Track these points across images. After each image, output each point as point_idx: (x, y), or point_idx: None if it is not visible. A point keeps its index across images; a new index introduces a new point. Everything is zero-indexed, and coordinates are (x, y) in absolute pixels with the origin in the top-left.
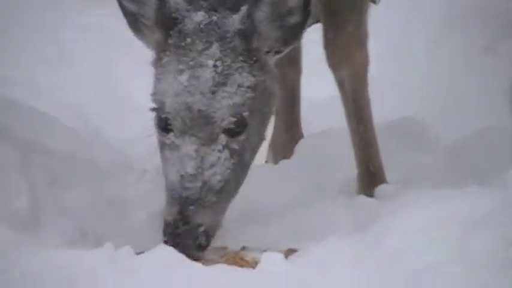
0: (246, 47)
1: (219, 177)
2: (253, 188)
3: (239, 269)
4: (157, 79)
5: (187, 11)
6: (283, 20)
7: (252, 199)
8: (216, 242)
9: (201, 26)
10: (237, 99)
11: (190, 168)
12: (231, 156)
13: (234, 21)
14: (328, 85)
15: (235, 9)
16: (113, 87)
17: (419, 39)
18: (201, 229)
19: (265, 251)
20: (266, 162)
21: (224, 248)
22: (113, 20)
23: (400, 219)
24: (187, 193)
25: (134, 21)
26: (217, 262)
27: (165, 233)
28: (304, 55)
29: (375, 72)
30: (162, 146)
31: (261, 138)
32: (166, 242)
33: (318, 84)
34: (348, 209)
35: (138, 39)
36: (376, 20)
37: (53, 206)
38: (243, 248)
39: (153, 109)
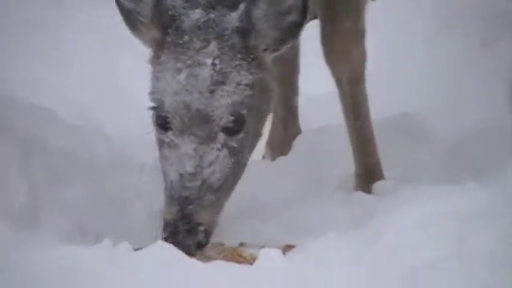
0: (243, 45)
1: (218, 176)
2: (250, 184)
3: (237, 265)
4: (156, 77)
5: (185, 8)
6: (281, 19)
7: (249, 195)
8: (214, 239)
9: (199, 23)
10: (235, 98)
11: (189, 167)
12: (230, 154)
13: (232, 19)
14: (325, 81)
15: (233, 7)
16: (112, 84)
17: (418, 36)
18: (201, 228)
19: (263, 247)
20: (263, 158)
21: (222, 245)
22: (113, 19)
23: (398, 215)
24: (187, 192)
25: (131, 19)
26: (215, 258)
27: (165, 233)
28: (301, 51)
29: (373, 68)
30: (161, 144)
31: (259, 135)
32: (166, 240)
33: (315, 80)
34: (346, 205)
35: (135, 36)
36: (375, 16)
37: (52, 203)
38: (241, 244)
39: (152, 107)
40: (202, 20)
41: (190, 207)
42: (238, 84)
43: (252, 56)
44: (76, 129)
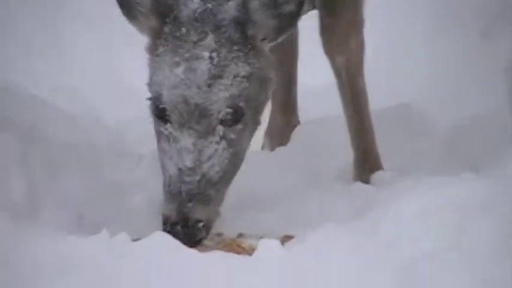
0: (241, 35)
1: (217, 169)
2: (249, 174)
3: (236, 255)
4: (153, 69)
5: None
6: (279, 8)
7: (248, 186)
8: (213, 229)
9: (196, 14)
10: (233, 91)
11: (188, 161)
12: (229, 146)
13: (229, 8)
14: (324, 72)
15: None
16: (112, 75)
17: (417, 27)
18: (200, 224)
19: (261, 237)
20: (262, 149)
21: (221, 235)
22: (112, 7)
23: (397, 206)
24: (186, 188)
25: (129, 9)
26: (214, 249)
27: (164, 228)
28: (300, 42)
29: (371, 59)
30: (159, 135)
31: (257, 124)
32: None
33: (314, 71)
34: (345, 196)
35: (133, 26)
36: (374, 7)
37: (51, 194)
38: (240, 235)
39: (151, 99)
40: (200, 10)
41: (190, 204)
42: (235, 76)
43: (249, 47)
44: (75, 120)
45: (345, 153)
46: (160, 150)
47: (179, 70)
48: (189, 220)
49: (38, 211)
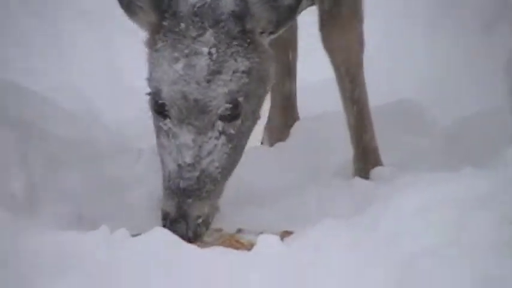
0: (240, 29)
1: (216, 164)
2: (248, 170)
3: (235, 251)
4: (152, 64)
5: None
6: (277, 1)
7: (247, 181)
8: (212, 225)
9: (195, 9)
10: (232, 86)
11: (188, 158)
12: (228, 141)
13: (228, 2)
14: (323, 67)
15: None
16: (112, 72)
17: (417, 22)
18: (199, 221)
19: (261, 233)
20: (261, 144)
21: (220, 230)
22: (111, 4)
23: (397, 201)
24: (185, 183)
25: (128, 4)
26: (213, 244)
27: (163, 225)
28: (299, 37)
29: (371, 54)
30: (159, 130)
31: (257, 118)
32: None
33: (313, 66)
34: (344, 192)
35: (132, 21)
36: (373, 2)
37: (50, 190)
38: (239, 231)
39: (150, 94)
40: (198, 4)
41: (189, 200)
42: (235, 72)
43: (248, 41)
44: (75, 117)
45: (345, 149)
46: (160, 145)
47: (178, 66)
48: (189, 216)
49: (37, 207)
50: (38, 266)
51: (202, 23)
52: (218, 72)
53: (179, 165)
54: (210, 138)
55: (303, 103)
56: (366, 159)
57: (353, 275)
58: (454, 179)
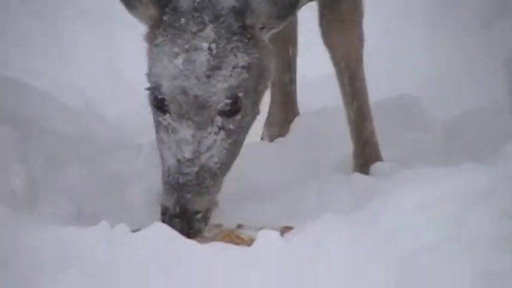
0: (240, 25)
1: (215, 159)
2: (248, 165)
3: (235, 246)
4: (152, 59)
5: None
6: None
7: (247, 177)
8: (212, 220)
9: (195, 4)
10: (232, 82)
11: (187, 153)
12: (227, 136)
13: None
14: (323, 63)
15: None
16: (112, 68)
17: (417, 18)
18: (199, 216)
19: (261, 228)
20: (262, 139)
21: (220, 226)
22: (111, 2)
23: (397, 197)
24: (185, 179)
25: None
26: (213, 240)
27: (163, 220)
28: (299, 32)
29: (372, 51)
30: (158, 125)
31: (256, 113)
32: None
33: (313, 61)
34: (344, 187)
35: (132, 16)
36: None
37: (50, 185)
38: (239, 226)
39: (149, 89)
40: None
41: (188, 195)
42: (234, 67)
43: (248, 36)
44: (75, 113)
45: (345, 144)
46: (159, 140)
47: (178, 61)
48: (188, 211)
49: (37, 202)
50: (38, 262)
51: (203, 18)
52: (218, 67)
53: (178, 160)
54: (209, 133)
55: (303, 98)
56: (365, 155)
57: (353, 271)
58: (454, 174)
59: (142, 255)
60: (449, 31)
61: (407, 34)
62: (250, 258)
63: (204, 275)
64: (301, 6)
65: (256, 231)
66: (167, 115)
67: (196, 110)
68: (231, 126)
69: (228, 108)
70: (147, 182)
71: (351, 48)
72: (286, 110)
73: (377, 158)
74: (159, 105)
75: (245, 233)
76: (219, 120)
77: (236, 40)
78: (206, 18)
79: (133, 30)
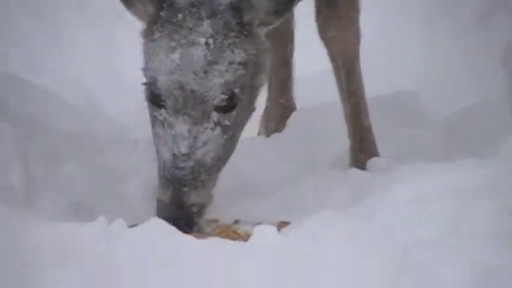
0: (237, 21)
1: (211, 155)
2: (245, 161)
3: (231, 242)
4: (149, 54)
5: None
6: None
7: (244, 172)
8: (209, 215)
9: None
10: (228, 77)
11: (183, 148)
12: (223, 132)
13: None
14: (320, 58)
15: None
16: (111, 64)
17: (414, 14)
18: (194, 209)
19: (257, 224)
20: (258, 135)
21: (216, 221)
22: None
23: (394, 192)
24: (181, 173)
25: None
26: (210, 235)
27: (158, 213)
28: (296, 28)
29: (369, 47)
30: (154, 120)
31: (252, 110)
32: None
33: (310, 57)
34: (341, 182)
35: (129, 12)
36: None
37: (47, 180)
38: (236, 221)
39: (146, 84)
40: None
41: (184, 189)
42: (231, 63)
43: (245, 32)
44: (75, 109)
45: (341, 140)
46: (155, 135)
47: (175, 56)
48: (183, 205)
49: (35, 198)
50: (36, 257)
51: (200, 13)
52: (215, 62)
53: (174, 155)
54: (205, 128)
55: (300, 94)
56: (362, 150)
57: (350, 266)
58: (453, 169)
59: (139, 251)
60: (446, 27)
61: (404, 30)
62: (246, 254)
63: (201, 270)
64: (298, 2)
65: (253, 226)
66: (163, 110)
67: (192, 105)
68: (227, 122)
69: (224, 103)
70: (143, 177)
71: (347, 45)
72: (283, 106)
73: (374, 153)
74: (155, 100)
75: (242, 228)
76: (215, 115)
77: (233, 36)
78: (203, 14)
79: (132, 29)
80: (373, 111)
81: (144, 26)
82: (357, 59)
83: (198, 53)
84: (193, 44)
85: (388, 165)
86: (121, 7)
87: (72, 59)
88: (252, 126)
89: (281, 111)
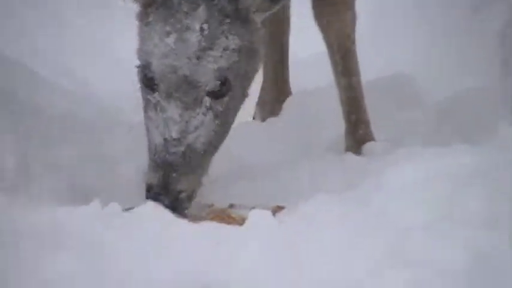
0: (233, 7)
1: (202, 140)
2: (240, 145)
3: (226, 226)
4: (143, 38)
5: None
6: None
7: (239, 156)
8: (204, 200)
9: None
10: (222, 63)
11: (174, 132)
12: (215, 117)
13: None
14: (315, 42)
15: None
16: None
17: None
18: (183, 195)
19: (253, 208)
20: (253, 119)
21: (211, 206)
22: None
23: (389, 176)
24: (171, 158)
25: None
26: (205, 219)
27: (147, 197)
28: (291, 12)
29: (365, 30)
30: (147, 103)
31: (245, 96)
32: None
33: (305, 41)
34: (336, 166)
35: None
36: None
37: (42, 164)
38: (231, 206)
39: (139, 66)
40: None
41: (174, 174)
42: (225, 49)
43: (241, 19)
44: (64, 89)
45: (337, 124)
46: (147, 118)
47: (169, 40)
48: (172, 190)
49: (29, 182)
50: (31, 241)
51: None
52: (209, 48)
53: (165, 139)
54: (197, 114)
55: (295, 78)
56: (358, 134)
57: (345, 250)
58: (447, 154)
59: (133, 235)
60: (441, 12)
61: (399, 15)
62: (241, 238)
63: (196, 254)
64: None
65: (248, 210)
66: (156, 93)
67: (185, 90)
68: (219, 108)
69: (217, 89)
70: (138, 161)
71: (343, 29)
72: (278, 90)
73: (369, 137)
74: (148, 83)
75: (237, 213)
76: (207, 101)
77: (228, 22)
78: None
79: (127, 11)
80: (369, 95)
81: (139, 9)
82: (353, 43)
83: (193, 38)
84: (187, 28)
85: (383, 150)
86: None
87: (64, 42)
88: (247, 110)
89: (277, 95)
